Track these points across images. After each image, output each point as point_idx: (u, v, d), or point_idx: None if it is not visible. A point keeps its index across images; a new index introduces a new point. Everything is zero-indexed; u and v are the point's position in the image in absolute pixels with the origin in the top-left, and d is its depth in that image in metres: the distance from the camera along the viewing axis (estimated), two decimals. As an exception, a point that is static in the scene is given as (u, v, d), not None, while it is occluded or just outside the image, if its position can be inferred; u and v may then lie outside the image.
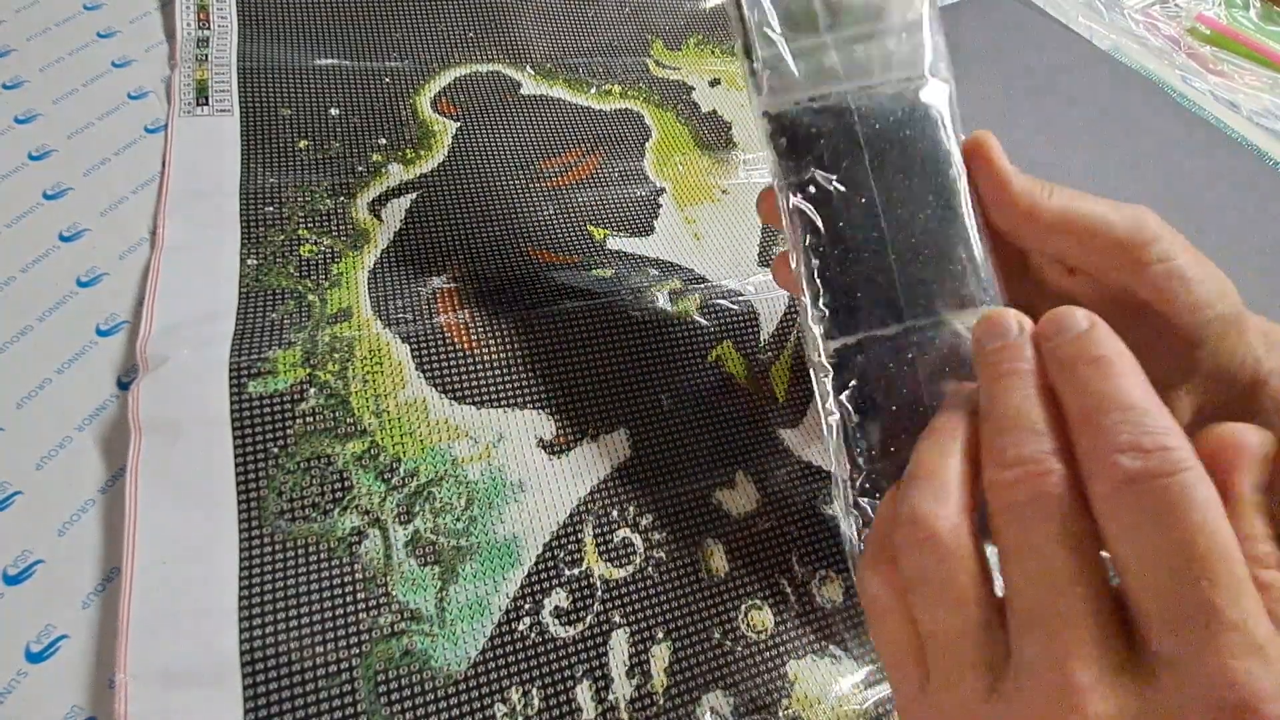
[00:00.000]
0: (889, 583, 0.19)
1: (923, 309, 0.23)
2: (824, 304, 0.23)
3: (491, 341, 0.31)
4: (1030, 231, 0.24)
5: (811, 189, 0.23)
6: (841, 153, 0.24)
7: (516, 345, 0.31)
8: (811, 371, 0.24)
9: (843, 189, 0.23)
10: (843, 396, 0.23)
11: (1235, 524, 0.16)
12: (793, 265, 0.24)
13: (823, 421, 0.24)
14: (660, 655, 0.25)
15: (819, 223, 0.23)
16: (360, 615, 0.24)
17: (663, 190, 0.40)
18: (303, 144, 0.37)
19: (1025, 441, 0.18)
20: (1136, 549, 0.16)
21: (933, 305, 0.23)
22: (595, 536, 0.27)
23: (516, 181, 0.38)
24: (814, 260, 0.23)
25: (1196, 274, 0.23)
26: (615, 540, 0.27)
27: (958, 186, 0.24)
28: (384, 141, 0.38)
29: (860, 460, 0.22)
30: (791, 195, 0.24)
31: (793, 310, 0.35)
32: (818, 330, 0.23)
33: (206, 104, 0.37)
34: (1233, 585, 0.15)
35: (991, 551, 0.18)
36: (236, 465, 0.26)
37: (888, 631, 0.19)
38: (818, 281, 0.23)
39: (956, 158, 0.24)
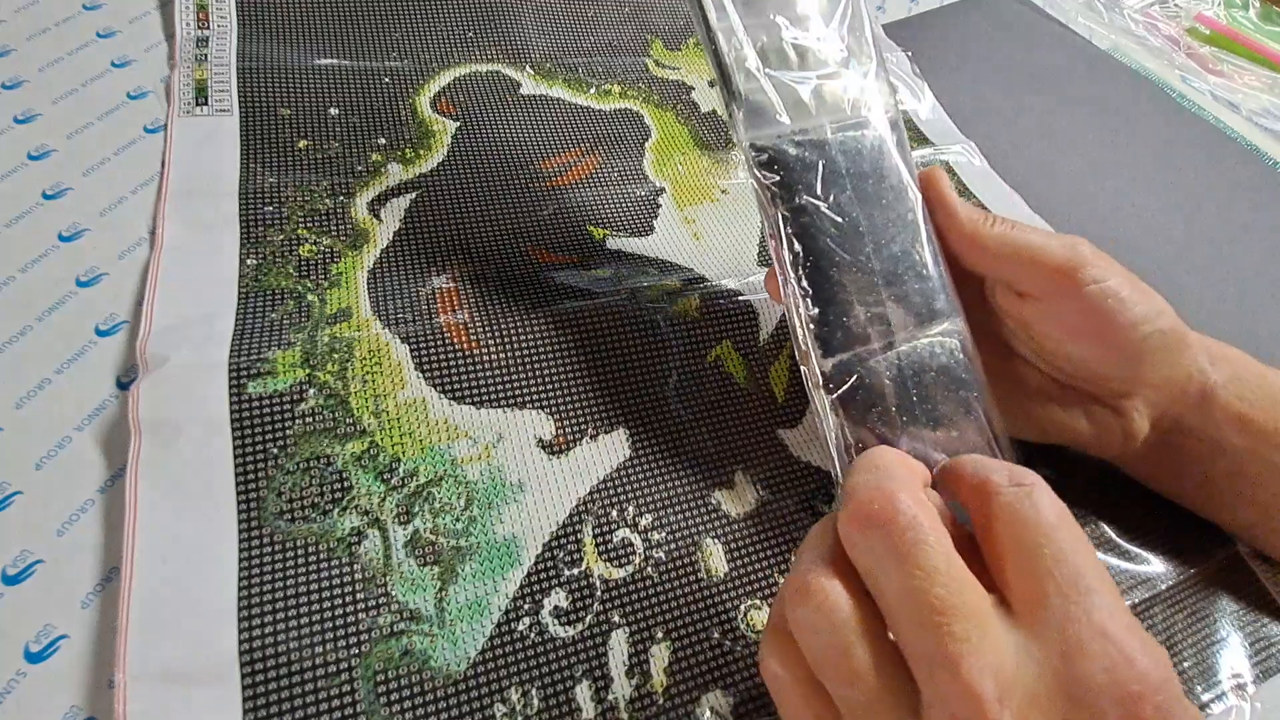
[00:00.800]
0: (788, 660, 0.20)
1: (906, 324, 0.25)
2: (820, 323, 0.25)
3: (491, 341, 0.31)
4: (978, 258, 0.27)
5: (804, 217, 0.25)
6: (829, 182, 0.26)
7: (516, 345, 0.31)
8: (808, 385, 0.25)
9: (836, 217, 0.25)
10: (839, 408, 0.24)
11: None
12: (783, 287, 0.25)
13: (821, 430, 0.25)
14: (660, 655, 0.25)
15: (814, 245, 0.25)
16: (360, 615, 0.24)
17: (662, 190, 0.40)
18: (302, 144, 0.37)
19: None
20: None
21: (913, 320, 0.25)
22: (595, 536, 0.27)
23: (516, 181, 0.38)
24: (806, 283, 0.25)
25: (1130, 294, 0.26)
26: (615, 540, 0.27)
27: (918, 215, 0.27)
28: (383, 141, 0.38)
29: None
30: (784, 224, 0.25)
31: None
32: (815, 348, 0.25)
33: (206, 104, 0.37)
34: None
35: None
36: (236, 465, 0.26)
37: (792, 708, 0.20)
38: (812, 302, 0.25)
39: (915, 189, 0.27)
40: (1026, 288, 0.27)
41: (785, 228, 0.25)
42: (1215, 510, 0.30)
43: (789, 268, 0.25)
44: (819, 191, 0.25)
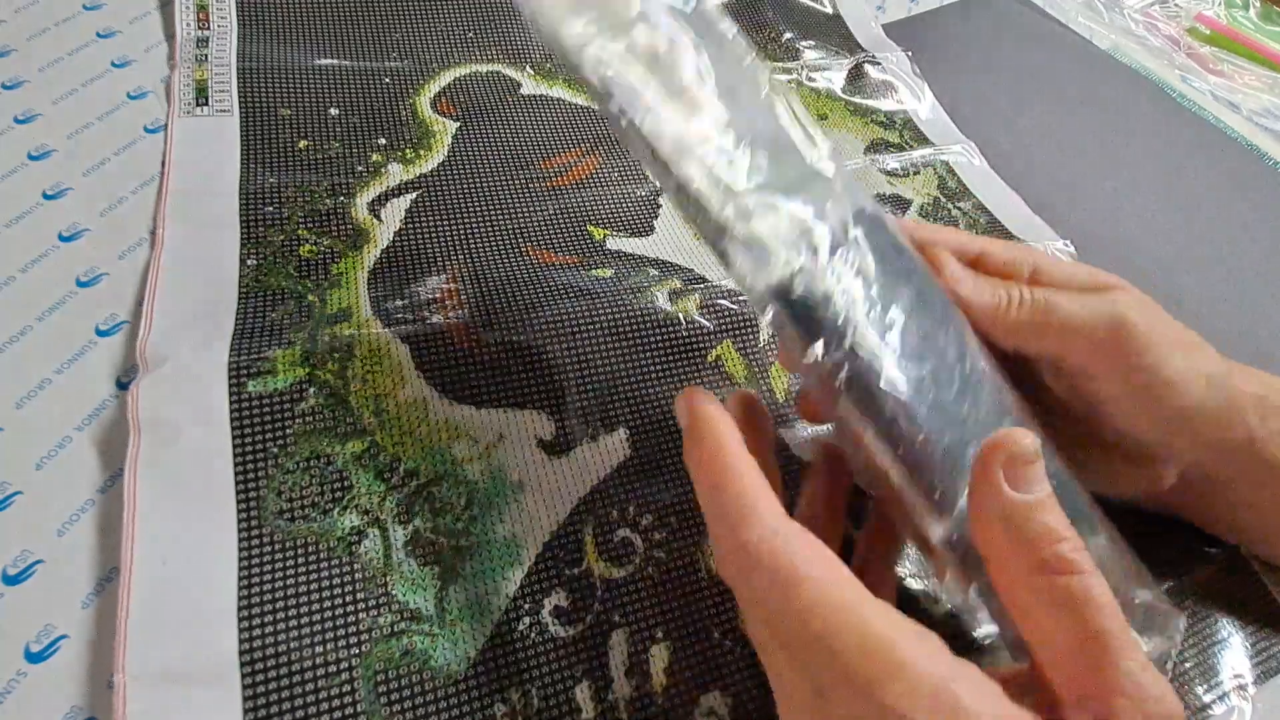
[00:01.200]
0: None
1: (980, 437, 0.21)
2: (929, 486, 0.21)
3: (491, 341, 0.31)
4: (1010, 341, 0.24)
5: (855, 359, 0.20)
6: (859, 306, 0.21)
7: (516, 345, 0.31)
8: (923, 556, 0.22)
9: (887, 346, 0.21)
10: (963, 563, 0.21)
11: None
12: (876, 462, 0.21)
13: (940, 591, 0.23)
14: (660, 655, 0.25)
15: (882, 404, 0.21)
16: (360, 615, 0.24)
17: (662, 190, 0.40)
18: (302, 144, 0.37)
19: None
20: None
21: (990, 429, 0.21)
22: (595, 536, 0.27)
23: (516, 181, 0.38)
24: (897, 445, 0.21)
25: (1182, 367, 0.24)
26: (615, 540, 0.27)
27: (951, 310, 0.23)
28: (384, 141, 0.38)
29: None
30: (840, 378, 0.20)
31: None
32: (931, 519, 0.21)
33: (206, 104, 0.37)
34: None
35: None
36: (236, 465, 0.26)
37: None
38: (912, 468, 0.21)
39: (938, 283, 0.24)
40: (1068, 365, 0.25)
41: (841, 377, 0.20)
42: (1234, 535, 0.29)
43: (878, 443, 0.21)
44: (855, 319, 0.21)
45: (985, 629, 0.24)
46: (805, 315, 0.20)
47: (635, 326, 0.33)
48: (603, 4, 0.22)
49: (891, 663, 0.17)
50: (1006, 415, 0.23)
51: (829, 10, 0.54)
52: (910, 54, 0.52)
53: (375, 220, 0.35)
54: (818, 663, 0.18)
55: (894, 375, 0.21)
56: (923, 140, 0.47)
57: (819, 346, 0.20)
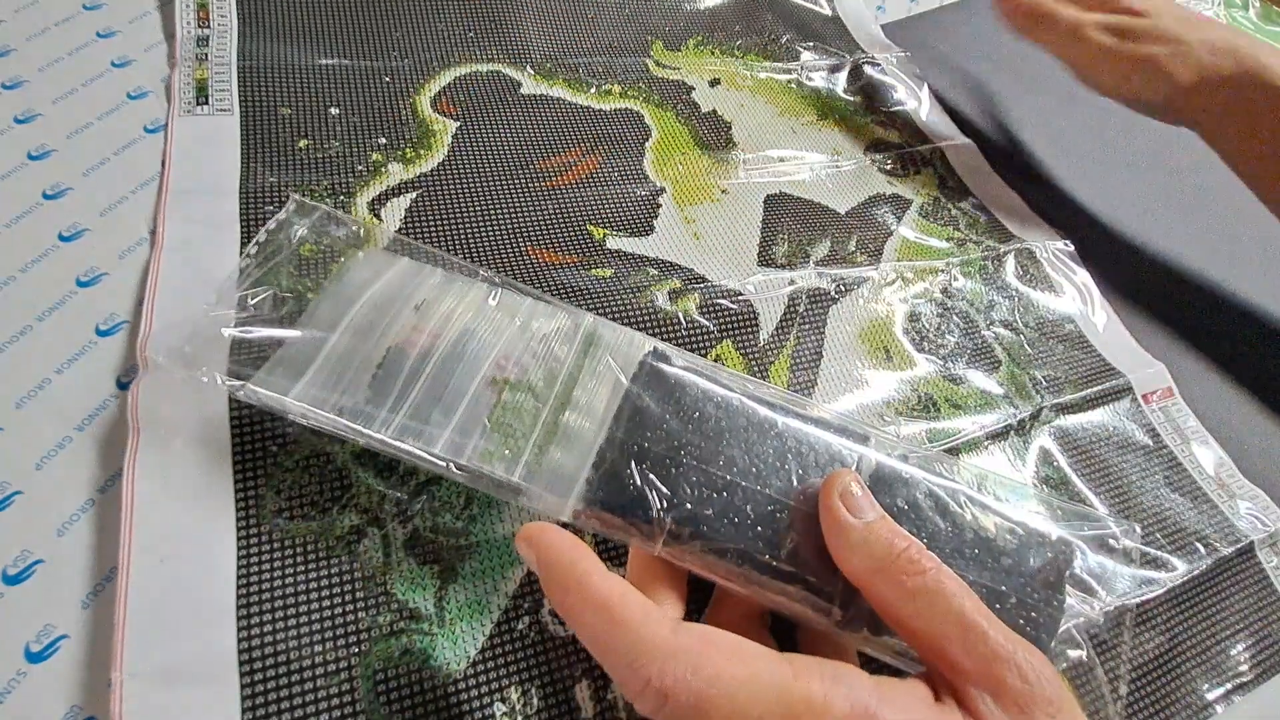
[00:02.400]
0: None
1: None
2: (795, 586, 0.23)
3: (491, 341, 0.31)
4: None
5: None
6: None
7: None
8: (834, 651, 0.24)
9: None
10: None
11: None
12: (747, 591, 0.23)
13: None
14: (660, 655, 0.25)
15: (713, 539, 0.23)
16: (359, 614, 0.24)
17: (662, 190, 0.40)
18: (303, 143, 0.37)
19: None
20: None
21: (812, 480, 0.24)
22: (595, 536, 0.27)
23: (516, 181, 0.38)
24: (745, 567, 0.23)
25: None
26: (615, 540, 0.27)
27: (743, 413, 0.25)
28: (384, 141, 0.38)
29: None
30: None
31: (792, 310, 0.35)
32: (818, 610, 0.23)
33: (206, 103, 0.37)
34: None
35: None
36: (235, 464, 0.26)
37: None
38: (767, 583, 0.23)
39: None
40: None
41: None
42: (1233, 160, 0.36)
43: (735, 574, 0.23)
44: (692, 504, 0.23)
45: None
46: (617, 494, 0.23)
47: (635, 326, 0.33)
48: None
49: (811, 699, 0.18)
50: (814, 468, 0.24)
51: (828, 11, 0.54)
52: (910, 54, 0.52)
53: (375, 220, 0.35)
54: None
55: (707, 519, 0.23)
56: (922, 140, 0.47)
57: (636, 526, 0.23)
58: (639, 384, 0.25)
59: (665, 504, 0.23)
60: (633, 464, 0.23)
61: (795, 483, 0.23)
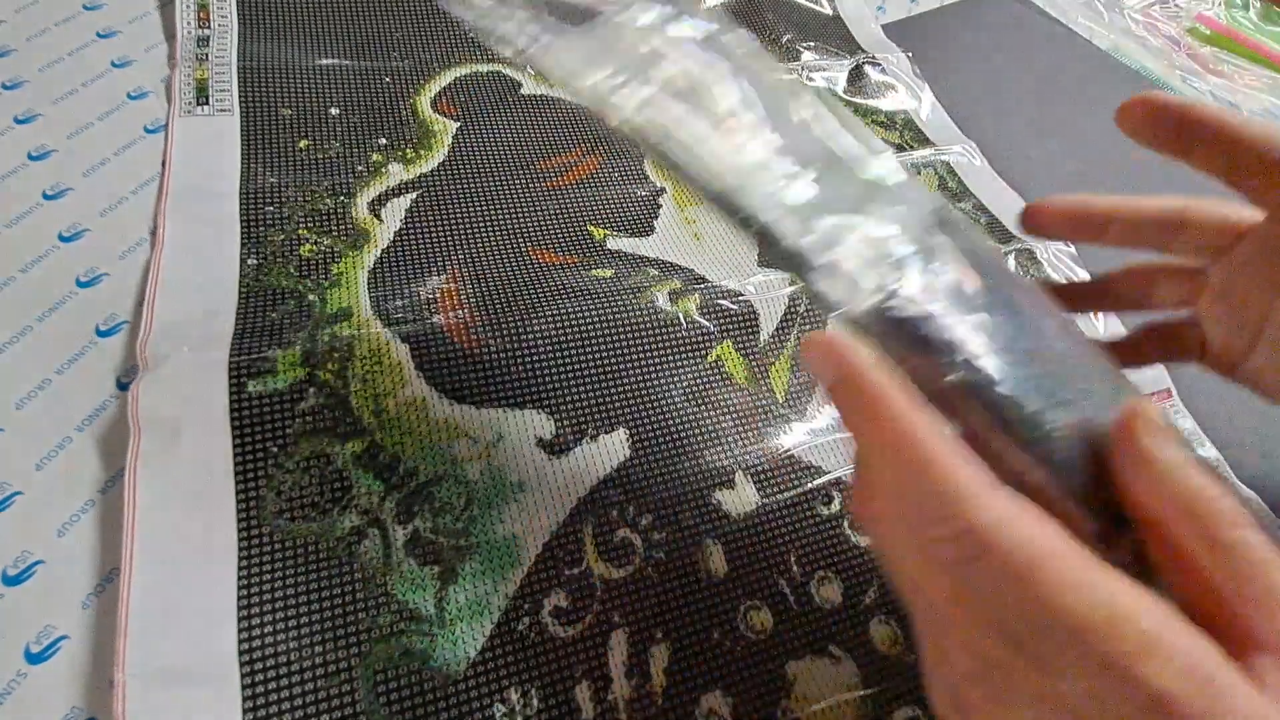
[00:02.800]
0: None
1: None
2: (1067, 485, 0.20)
3: (491, 341, 0.31)
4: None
5: (968, 368, 0.19)
6: (959, 315, 0.20)
7: (516, 345, 0.31)
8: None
9: (995, 350, 0.19)
10: None
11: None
12: (1010, 464, 0.19)
13: None
14: (659, 655, 0.25)
15: (1003, 402, 0.19)
16: (359, 615, 0.24)
17: (663, 190, 0.40)
18: (303, 144, 0.37)
19: None
20: None
21: (1108, 405, 0.21)
22: (595, 536, 0.27)
23: (516, 181, 0.38)
24: (1027, 447, 0.19)
25: None
26: (615, 540, 0.27)
27: (1041, 296, 0.22)
28: (384, 141, 0.38)
29: None
30: (956, 388, 0.19)
31: (793, 310, 0.35)
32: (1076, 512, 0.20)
33: (207, 104, 0.37)
34: None
35: None
36: (235, 464, 0.26)
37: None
38: (1047, 466, 0.19)
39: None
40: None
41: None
42: None
43: (1009, 448, 0.19)
44: (975, 341, 0.19)
45: None
46: (907, 334, 0.19)
47: (635, 327, 0.33)
48: (613, 52, 0.21)
49: (1144, 638, 0.16)
50: (1121, 391, 0.22)
51: (828, 11, 0.54)
52: (910, 54, 0.52)
53: (375, 220, 0.35)
54: (1052, 644, 0.17)
55: (1007, 378, 0.19)
56: (923, 140, 0.47)
57: (926, 362, 0.19)
58: (940, 226, 0.21)
59: (959, 341, 0.19)
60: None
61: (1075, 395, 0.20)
